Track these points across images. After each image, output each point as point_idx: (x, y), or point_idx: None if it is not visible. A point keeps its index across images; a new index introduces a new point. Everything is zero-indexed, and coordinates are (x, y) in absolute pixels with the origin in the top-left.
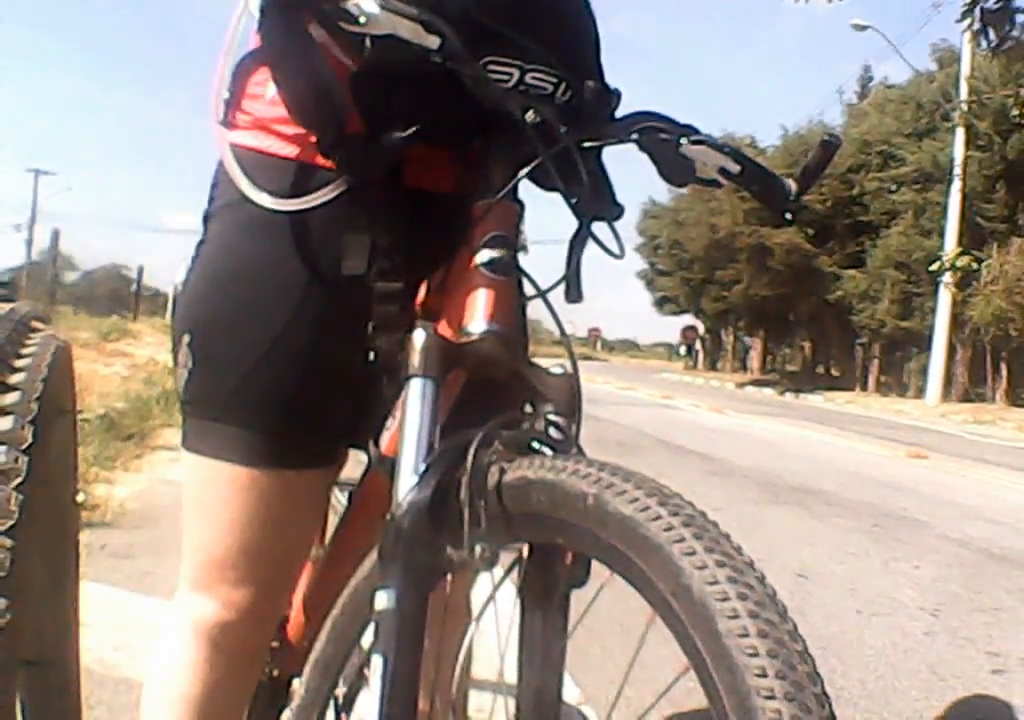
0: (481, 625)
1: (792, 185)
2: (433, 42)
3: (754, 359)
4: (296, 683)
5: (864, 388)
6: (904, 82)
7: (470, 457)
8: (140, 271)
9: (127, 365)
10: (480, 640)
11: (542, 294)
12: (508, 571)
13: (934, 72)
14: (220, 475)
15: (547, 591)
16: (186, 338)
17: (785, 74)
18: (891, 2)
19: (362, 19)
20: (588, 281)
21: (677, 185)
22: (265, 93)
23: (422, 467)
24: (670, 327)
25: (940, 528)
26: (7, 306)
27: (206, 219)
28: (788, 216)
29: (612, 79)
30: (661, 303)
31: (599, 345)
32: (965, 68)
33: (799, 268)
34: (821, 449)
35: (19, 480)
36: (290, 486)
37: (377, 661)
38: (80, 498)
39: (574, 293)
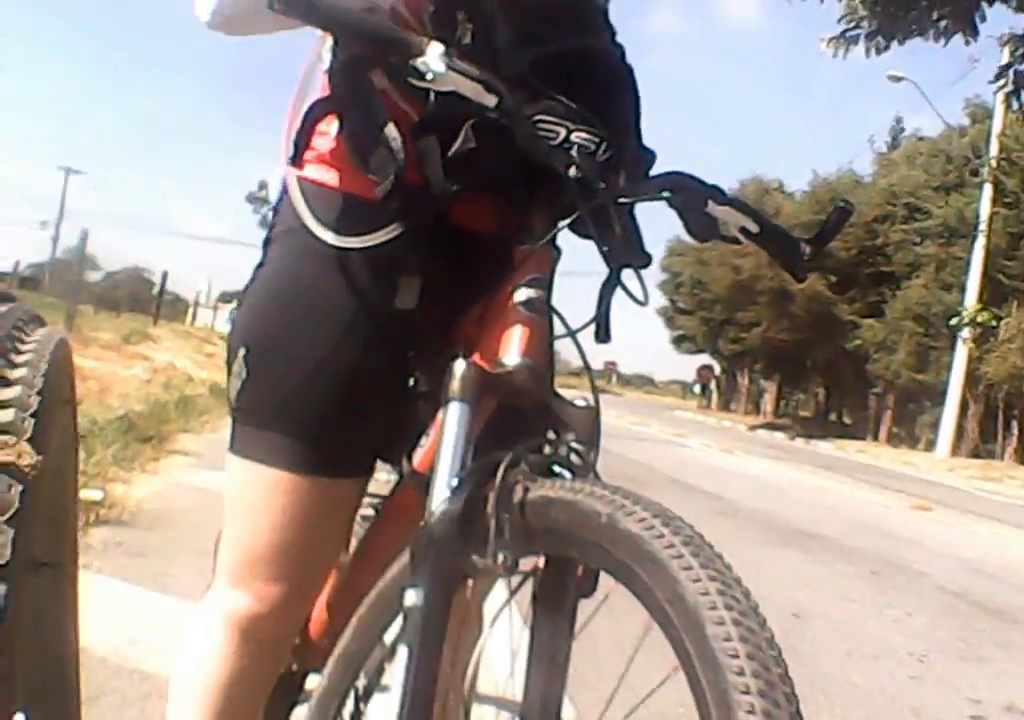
0: (494, 632)
1: (806, 247)
2: (491, 101)
3: (768, 402)
4: (311, 679)
5: (875, 438)
6: (935, 135)
7: (499, 475)
8: (164, 276)
9: (147, 369)
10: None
11: (572, 334)
12: (524, 580)
13: (966, 127)
14: (264, 479)
15: (558, 600)
16: (242, 351)
17: (820, 121)
18: (928, 56)
19: (429, 76)
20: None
21: (701, 240)
22: (330, 130)
23: (455, 482)
24: (686, 365)
25: (938, 579)
26: (7, 305)
27: (266, 243)
28: (805, 275)
29: (653, 115)
30: (679, 341)
31: (615, 379)
32: (997, 125)
33: (818, 314)
34: (828, 496)
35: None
36: (327, 493)
37: (403, 652)
38: (99, 496)
39: (603, 334)
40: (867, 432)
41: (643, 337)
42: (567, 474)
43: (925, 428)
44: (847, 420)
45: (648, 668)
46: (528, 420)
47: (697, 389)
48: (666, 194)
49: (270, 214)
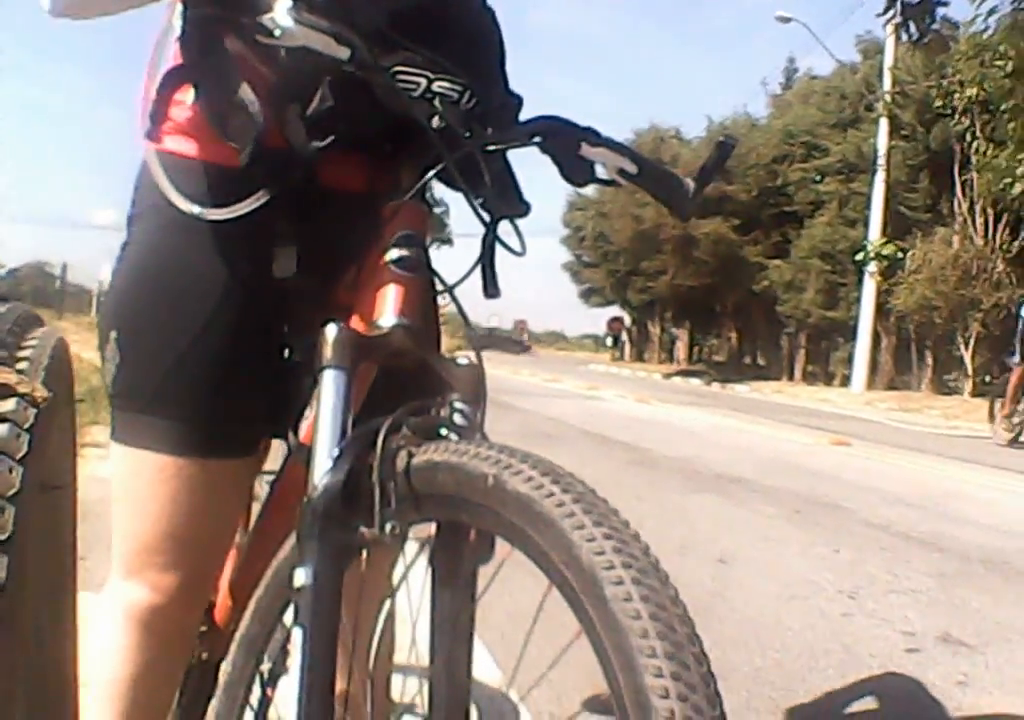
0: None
1: (690, 184)
2: (344, 53)
3: (680, 350)
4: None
5: (791, 377)
6: (828, 74)
7: (380, 442)
8: (64, 268)
9: None
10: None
11: (449, 289)
12: (421, 549)
13: (858, 64)
14: (147, 465)
15: (454, 567)
16: (113, 334)
17: (712, 66)
18: None
19: (277, 32)
20: (513, 273)
21: (577, 185)
22: (186, 99)
23: (335, 452)
24: (597, 319)
25: (861, 513)
26: (6, 305)
27: (130, 221)
28: (690, 213)
29: (537, 70)
30: (587, 295)
31: (526, 337)
32: (888, 59)
33: (724, 258)
34: (746, 438)
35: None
36: (214, 475)
37: (298, 634)
38: None
39: (491, 288)
40: (782, 372)
41: (551, 294)
42: (453, 436)
43: (839, 364)
44: (761, 362)
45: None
46: (414, 384)
47: (609, 341)
48: (536, 139)
49: (132, 191)
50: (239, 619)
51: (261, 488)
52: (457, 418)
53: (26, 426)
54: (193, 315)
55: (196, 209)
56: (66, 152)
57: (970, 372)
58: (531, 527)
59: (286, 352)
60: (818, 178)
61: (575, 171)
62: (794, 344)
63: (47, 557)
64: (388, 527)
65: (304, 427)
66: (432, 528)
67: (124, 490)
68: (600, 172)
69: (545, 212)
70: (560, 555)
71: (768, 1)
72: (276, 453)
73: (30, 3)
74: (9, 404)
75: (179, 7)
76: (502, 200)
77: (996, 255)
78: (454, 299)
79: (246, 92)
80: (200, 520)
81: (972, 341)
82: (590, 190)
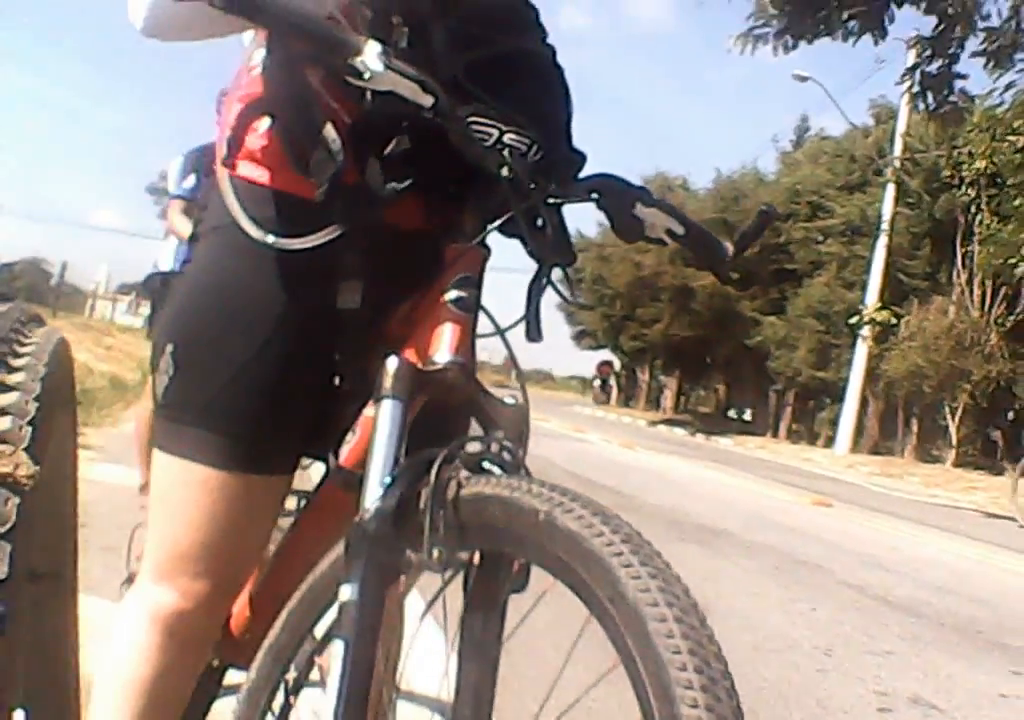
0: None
1: (729, 248)
2: (427, 101)
3: (668, 398)
4: (230, 674)
5: (775, 434)
6: (840, 135)
7: (434, 472)
8: (63, 267)
9: None
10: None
11: (501, 333)
12: (454, 574)
13: (870, 127)
14: (191, 475)
15: (490, 595)
16: (169, 347)
17: (724, 119)
18: (834, 56)
19: (367, 75)
20: (506, 310)
21: (627, 241)
22: (260, 127)
23: (388, 478)
24: (586, 361)
25: (839, 574)
26: (6, 305)
27: (194, 238)
28: (728, 276)
29: None
30: (579, 337)
31: (514, 375)
32: (901, 126)
33: (720, 311)
34: (729, 491)
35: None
36: (253, 489)
37: (338, 646)
38: None
39: (534, 332)
40: (767, 428)
41: (544, 332)
42: (498, 471)
43: (825, 425)
44: (747, 417)
45: (584, 664)
46: (451, 418)
47: (597, 384)
48: (595, 196)
49: (199, 210)
50: (254, 629)
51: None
52: (504, 455)
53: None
54: (250, 336)
55: (268, 237)
56: (67, 149)
57: (954, 442)
58: (578, 562)
59: (336, 379)
60: (820, 238)
61: (627, 228)
62: (781, 401)
63: (48, 559)
64: (435, 552)
65: (346, 450)
66: (474, 556)
67: (165, 497)
68: (648, 230)
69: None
70: (606, 590)
71: (786, 59)
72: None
73: None
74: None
75: (263, 41)
76: (556, 249)
77: (990, 328)
78: (504, 342)
79: (328, 129)
80: (236, 532)
81: (959, 412)
82: (592, 231)
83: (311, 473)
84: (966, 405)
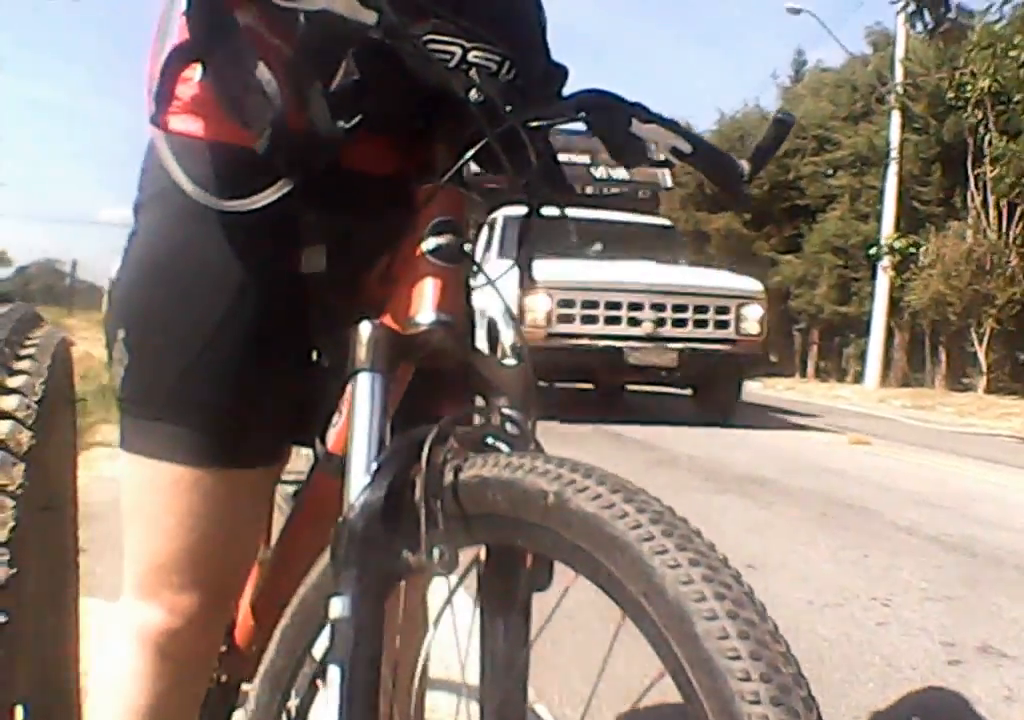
0: (439, 632)
1: (745, 165)
2: (370, 17)
3: None
4: (245, 687)
5: (803, 374)
6: (838, 66)
7: (425, 455)
8: (74, 265)
9: None
10: (441, 645)
11: (492, 282)
12: (464, 575)
13: (869, 55)
14: (161, 476)
15: (507, 596)
16: (120, 333)
17: (721, 60)
18: None
19: None
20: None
21: (628, 166)
22: (194, 75)
23: (374, 466)
24: None
25: (887, 515)
26: (7, 305)
27: (136, 209)
28: (746, 196)
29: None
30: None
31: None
32: (900, 51)
33: (736, 253)
34: (762, 436)
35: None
36: (234, 486)
37: (334, 671)
38: None
39: (527, 281)
40: (794, 368)
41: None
42: (504, 447)
43: (852, 360)
44: (773, 358)
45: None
46: (451, 386)
47: None
48: (583, 114)
49: (138, 176)
50: (262, 640)
51: (279, 496)
52: (508, 426)
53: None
54: (208, 312)
55: (211, 199)
56: (72, 148)
57: (984, 369)
58: (601, 552)
59: (311, 351)
60: (830, 172)
61: (626, 150)
62: (806, 340)
63: (49, 559)
64: (436, 552)
65: (332, 434)
66: (481, 552)
67: (135, 503)
68: (651, 150)
69: None
70: (638, 584)
71: None
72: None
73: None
74: None
75: None
76: (547, 182)
77: (1010, 249)
78: (498, 294)
79: (262, 71)
80: (219, 535)
81: (986, 337)
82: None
83: (307, 457)
84: (993, 330)
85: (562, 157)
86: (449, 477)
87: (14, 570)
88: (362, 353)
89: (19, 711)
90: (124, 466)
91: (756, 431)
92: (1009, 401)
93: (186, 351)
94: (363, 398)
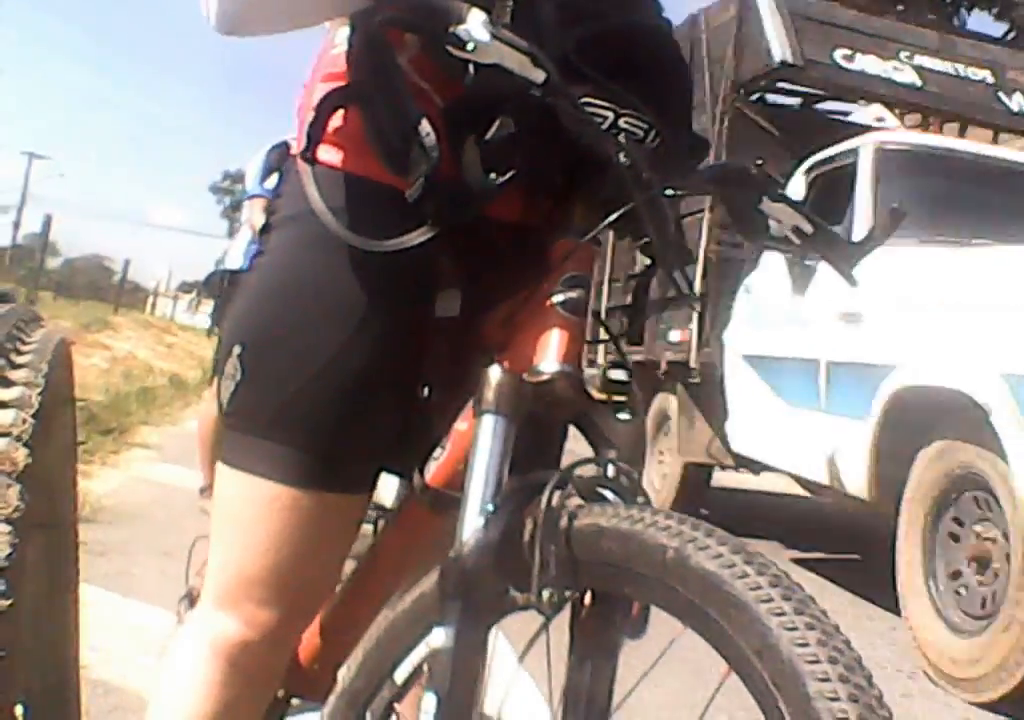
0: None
1: (856, 250)
2: (538, 76)
3: None
4: (295, 702)
5: None
6: None
7: (545, 499)
8: (126, 264)
9: (106, 358)
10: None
11: (615, 338)
12: (553, 614)
13: None
14: (259, 492)
15: (601, 640)
16: (237, 349)
17: None
18: None
19: (470, 45)
20: None
21: (751, 240)
22: (344, 110)
23: (490, 506)
24: None
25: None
26: (6, 306)
27: (267, 229)
28: (852, 277)
29: None
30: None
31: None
32: None
33: None
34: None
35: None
36: (329, 509)
37: (430, 699)
38: None
39: (637, 338)
40: None
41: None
42: (612, 497)
43: None
44: None
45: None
46: (544, 434)
47: None
48: (717, 187)
49: (272, 199)
50: (325, 661)
51: None
52: (621, 478)
53: None
54: (328, 338)
55: (350, 235)
56: (131, 149)
57: None
58: (716, 609)
59: (421, 386)
60: None
61: (750, 225)
62: None
63: (49, 553)
64: (546, 593)
65: (432, 467)
66: (586, 596)
67: (230, 516)
68: (774, 228)
69: None
70: (752, 643)
71: None
72: None
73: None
74: None
75: (347, 24)
76: (675, 248)
77: None
78: (618, 347)
79: (423, 124)
80: (309, 556)
81: None
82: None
83: (381, 486)
84: None
85: None
86: (565, 522)
87: (10, 601)
88: (489, 395)
89: (19, 710)
90: (222, 478)
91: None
92: None
93: (300, 374)
94: (486, 439)
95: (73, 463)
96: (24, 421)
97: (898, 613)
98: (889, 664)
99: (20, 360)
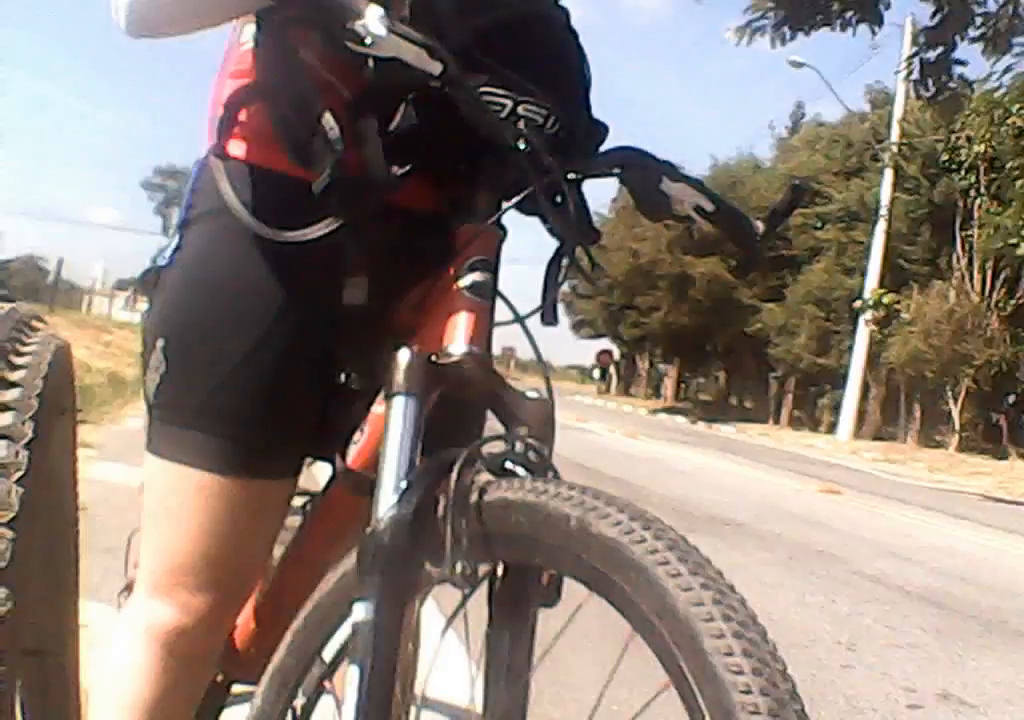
0: (446, 643)
1: (760, 226)
2: (435, 68)
3: (668, 386)
4: (236, 688)
5: (777, 421)
6: (836, 121)
7: (454, 475)
8: (60, 263)
9: None
10: (444, 659)
11: (520, 319)
12: (474, 588)
13: (866, 113)
14: (187, 481)
15: (517, 610)
16: (160, 343)
17: (720, 107)
18: (829, 42)
19: (368, 40)
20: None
21: (653, 219)
22: (252, 105)
23: (404, 483)
24: (585, 350)
25: (854, 563)
26: (7, 306)
27: (184, 224)
28: (759, 255)
29: None
30: (578, 326)
31: (512, 364)
32: (898, 111)
33: (719, 298)
34: (734, 480)
35: (20, 474)
36: (255, 496)
37: (353, 671)
38: None
39: (549, 316)
40: (768, 415)
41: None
42: (523, 472)
43: (826, 411)
44: (748, 404)
45: (631, 683)
46: (463, 414)
47: (596, 374)
48: (617, 170)
49: (187, 194)
50: (260, 644)
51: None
52: (529, 454)
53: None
54: (247, 329)
55: (262, 227)
56: (64, 147)
57: (957, 427)
58: (618, 573)
59: (338, 372)
60: (819, 225)
61: (653, 205)
62: (782, 388)
63: (48, 562)
64: (459, 566)
65: (354, 451)
66: (497, 568)
67: (159, 505)
68: (676, 207)
69: (543, 241)
70: (652, 604)
71: (783, 50)
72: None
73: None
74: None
75: (252, 21)
76: (578, 228)
77: (991, 312)
78: (524, 329)
79: (327, 118)
80: (237, 541)
81: (961, 396)
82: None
83: (314, 472)
84: (968, 389)
85: None
86: (475, 497)
87: (10, 605)
88: (400, 377)
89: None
90: (151, 469)
91: (727, 473)
92: (980, 460)
93: (222, 364)
94: (397, 420)
95: (74, 472)
96: (22, 424)
97: (835, 588)
98: (828, 636)
99: (19, 361)
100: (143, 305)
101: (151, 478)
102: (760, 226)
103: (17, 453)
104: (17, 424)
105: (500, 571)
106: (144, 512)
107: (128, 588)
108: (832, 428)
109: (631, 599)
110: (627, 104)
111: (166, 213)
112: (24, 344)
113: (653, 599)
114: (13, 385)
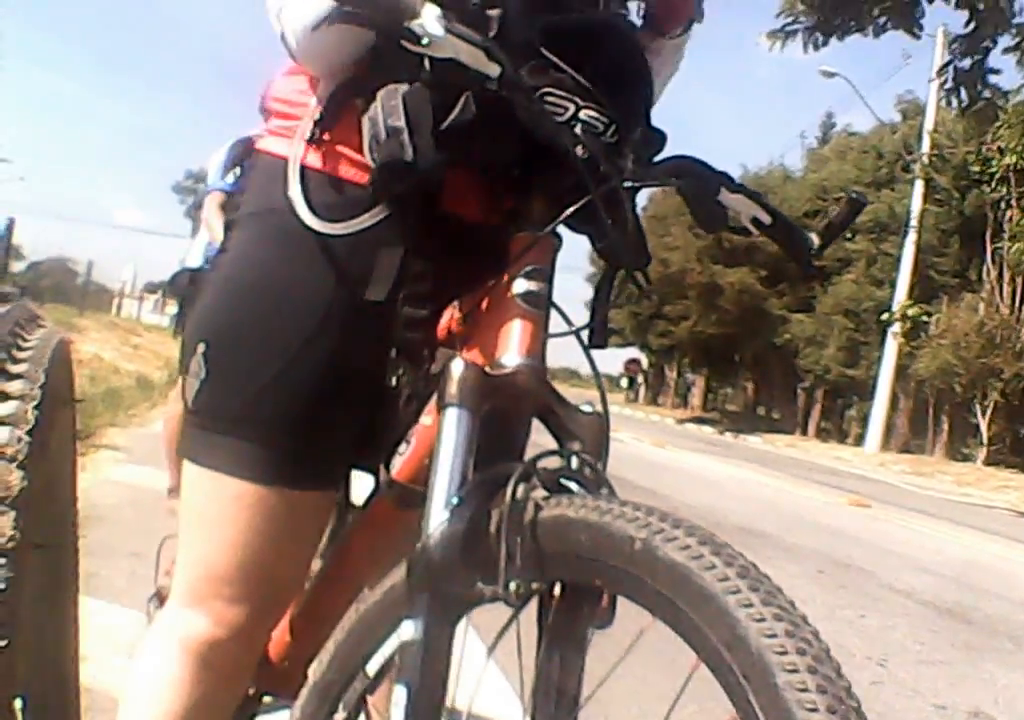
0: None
1: (815, 239)
2: (493, 70)
3: (695, 396)
4: (267, 700)
5: (804, 432)
6: (867, 131)
7: (510, 491)
8: (90, 265)
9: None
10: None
11: (576, 331)
12: (522, 605)
13: (898, 123)
14: (226, 490)
15: (572, 631)
16: (201, 347)
17: (751, 117)
18: (861, 51)
19: (424, 40)
20: None
21: (709, 231)
22: (313, 105)
23: (455, 499)
24: (612, 359)
25: (884, 577)
26: (7, 305)
27: (229, 225)
28: (813, 268)
29: None
30: (607, 334)
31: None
32: (929, 122)
33: (748, 308)
34: (764, 491)
35: (21, 458)
36: (295, 506)
37: (400, 691)
38: None
39: (599, 338)
40: (795, 426)
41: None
42: (577, 488)
43: (853, 423)
44: (775, 415)
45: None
46: (510, 427)
47: (624, 383)
48: (675, 180)
49: (233, 194)
50: (295, 657)
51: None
52: (585, 470)
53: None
54: (292, 334)
55: (313, 219)
56: (95, 149)
57: (985, 440)
58: (684, 600)
59: (392, 381)
60: (849, 235)
61: (710, 216)
62: (810, 399)
63: (48, 560)
64: (512, 585)
65: (399, 462)
66: (555, 588)
67: (197, 514)
68: (733, 219)
69: (571, 248)
70: (721, 634)
71: (812, 54)
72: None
73: None
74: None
75: None
76: (634, 245)
77: (1021, 325)
78: (580, 341)
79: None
80: (276, 553)
81: (990, 410)
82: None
83: (354, 484)
84: (997, 403)
85: None
86: (531, 514)
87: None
88: (453, 389)
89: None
90: (188, 477)
91: (756, 484)
92: (1008, 474)
93: (265, 370)
94: (450, 432)
95: (74, 464)
96: (18, 442)
97: (865, 603)
98: (859, 651)
99: (20, 355)
100: (173, 308)
101: (188, 486)
102: (816, 240)
103: (19, 439)
104: (20, 412)
105: (555, 591)
106: (181, 520)
107: (158, 595)
108: (859, 440)
109: (698, 627)
110: (656, 112)
111: (195, 216)
112: (26, 338)
113: (723, 629)
114: (16, 376)
